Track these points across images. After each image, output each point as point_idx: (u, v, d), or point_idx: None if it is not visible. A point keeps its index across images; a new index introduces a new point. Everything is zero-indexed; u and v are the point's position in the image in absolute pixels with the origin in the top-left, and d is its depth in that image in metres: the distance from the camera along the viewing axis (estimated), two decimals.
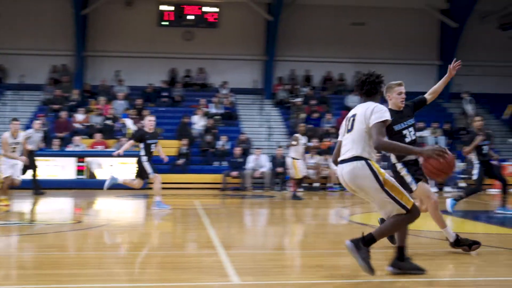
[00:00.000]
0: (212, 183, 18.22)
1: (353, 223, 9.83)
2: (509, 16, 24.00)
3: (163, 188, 11.88)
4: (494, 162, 11.54)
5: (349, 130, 5.12)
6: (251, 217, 11.43)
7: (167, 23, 24.27)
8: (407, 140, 6.19)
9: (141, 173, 11.17)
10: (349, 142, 5.07)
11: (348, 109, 22.95)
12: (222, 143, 19.63)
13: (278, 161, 18.25)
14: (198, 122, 20.73)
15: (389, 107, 6.28)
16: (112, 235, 8.22)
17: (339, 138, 5.33)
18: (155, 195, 11.36)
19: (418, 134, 21.35)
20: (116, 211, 12.16)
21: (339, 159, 5.16)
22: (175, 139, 19.74)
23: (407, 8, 25.19)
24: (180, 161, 18.58)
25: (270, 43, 24.53)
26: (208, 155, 19.32)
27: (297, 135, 14.61)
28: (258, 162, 18.29)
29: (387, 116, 4.97)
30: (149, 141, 11.19)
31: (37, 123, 16.04)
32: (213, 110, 21.91)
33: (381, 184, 4.94)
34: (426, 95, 6.83)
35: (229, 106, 22.66)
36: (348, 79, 25.49)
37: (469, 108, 23.09)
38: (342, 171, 5.08)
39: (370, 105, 5.09)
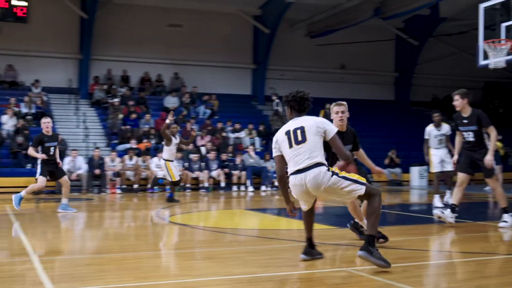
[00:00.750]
0: (24, 186, 17.05)
1: (173, 224, 9.89)
2: (316, 24, 25.71)
3: None
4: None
5: (300, 142, 5.40)
6: (68, 221, 10.96)
7: None
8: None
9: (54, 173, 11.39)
10: (306, 152, 5.37)
11: (167, 110, 23.04)
12: None
13: (95, 163, 17.76)
14: (8, 123, 19.45)
15: None
16: None
17: (277, 154, 5.57)
18: (24, 193, 11.35)
19: (236, 135, 22.21)
20: None
21: (296, 168, 5.39)
22: None
23: (223, 12, 25.88)
24: None
25: (86, 41, 23.76)
26: (19, 158, 18.18)
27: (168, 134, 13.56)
28: (75, 164, 17.63)
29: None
30: (47, 144, 11.19)
31: None
32: (24, 109, 20.68)
33: (337, 174, 5.33)
34: (357, 151, 6.95)
35: (42, 105, 21.52)
36: (166, 80, 25.56)
37: (280, 109, 24.32)
38: (306, 179, 5.33)
39: (315, 118, 5.60)
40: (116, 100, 22.43)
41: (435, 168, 12.00)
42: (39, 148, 11.14)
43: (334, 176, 5.33)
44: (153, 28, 25.21)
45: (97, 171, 17.64)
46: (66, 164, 17.44)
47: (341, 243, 7.29)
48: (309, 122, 5.50)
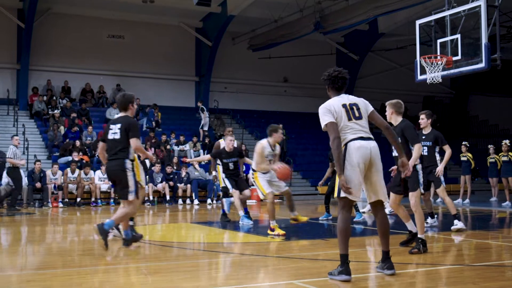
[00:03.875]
0: None
1: (115, 237, 9.75)
2: (258, 38, 25.98)
3: None
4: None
5: (358, 118, 5.70)
6: (8, 236, 10.68)
7: None
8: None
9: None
10: (364, 126, 5.70)
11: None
12: None
13: (36, 176, 17.33)
14: None
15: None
16: None
17: (332, 121, 5.61)
18: (238, 209, 11.50)
19: (180, 147, 22.13)
20: None
21: (359, 135, 5.62)
22: None
23: (164, 24, 25.86)
24: None
25: (24, 51, 23.19)
26: None
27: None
28: None
29: None
30: (225, 160, 11.58)
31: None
32: None
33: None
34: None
35: None
36: (108, 91, 25.23)
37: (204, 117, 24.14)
38: (371, 145, 5.63)
39: (357, 97, 5.88)
40: (56, 111, 21.99)
41: None
42: (219, 161, 11.76)
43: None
44: (94, 39, 24.91)
45: (38, 185, 17.21)
46: (4, 177, 16.99)
47: (289, 256, 7.38)
48: (357, 100, 5.83)
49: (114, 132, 7.48)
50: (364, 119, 5.74)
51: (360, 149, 5.57)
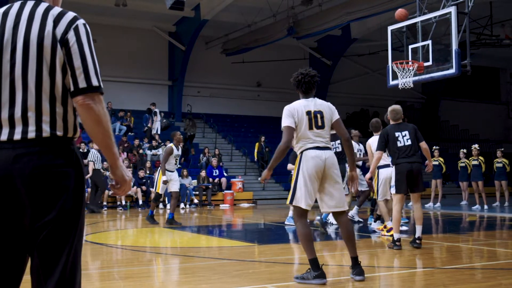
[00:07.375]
0: None
1: (87, 242, 9.66)
2: (231, 42, 26.00)
3: None
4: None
5: (320, 127, 5.71)
6: None
7: None
8: None
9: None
10: (323, 136, 5.71)
11: (80, 127, 22.47)
12: None
13: None
14: None
15: None
16: None
17: (291, 125, 5.67)
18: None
19: (153, 152, 21.96)
20: None
21: (316, 145, 5.64)
22: None
23: (138, 28, 25.71)
24: None
25: None
26: None
27: (171, 145, 12.35)
28: None
29: None
30: None
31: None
32: None
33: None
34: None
35: None
36: None
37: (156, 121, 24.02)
38: (325, 155, 5.64)
39: (325, 102, 5.91)
40: None
41: None
42: None
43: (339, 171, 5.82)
44: None
45: None
46: None
47: (263, 260, 7.38)
48: (323, 107, 5.83)
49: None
50: (326, 127, 5.77)
51: (314, 158, 5.62)
